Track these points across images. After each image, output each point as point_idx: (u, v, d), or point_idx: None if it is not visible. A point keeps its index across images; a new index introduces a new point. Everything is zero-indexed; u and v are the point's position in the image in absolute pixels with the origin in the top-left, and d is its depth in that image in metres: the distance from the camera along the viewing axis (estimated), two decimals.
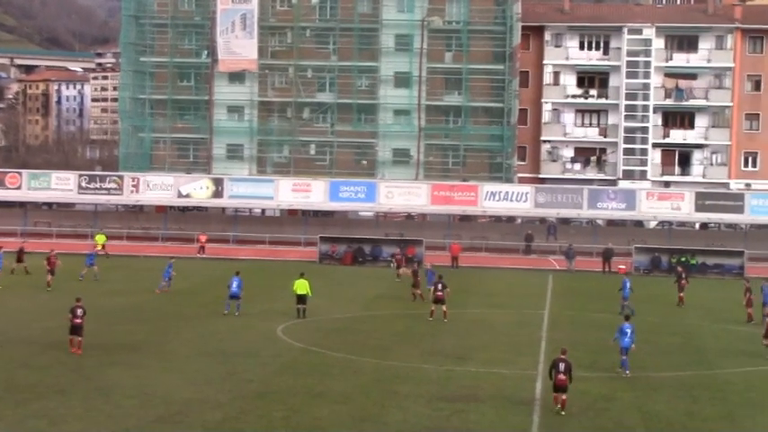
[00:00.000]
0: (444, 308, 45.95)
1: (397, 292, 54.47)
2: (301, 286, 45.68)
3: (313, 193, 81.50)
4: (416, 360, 36.68)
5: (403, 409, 29.52)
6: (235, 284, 46.04)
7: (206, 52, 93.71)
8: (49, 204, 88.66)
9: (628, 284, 50.43)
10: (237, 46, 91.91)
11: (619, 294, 50.25)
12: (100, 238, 71.46)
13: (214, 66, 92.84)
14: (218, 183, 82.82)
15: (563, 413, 29.29)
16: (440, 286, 46.32)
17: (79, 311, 36.53)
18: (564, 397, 29.56)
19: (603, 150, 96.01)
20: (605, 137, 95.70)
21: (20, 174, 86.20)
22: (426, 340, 40.95)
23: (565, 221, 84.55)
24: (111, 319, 43.77)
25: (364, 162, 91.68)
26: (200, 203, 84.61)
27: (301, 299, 45.52)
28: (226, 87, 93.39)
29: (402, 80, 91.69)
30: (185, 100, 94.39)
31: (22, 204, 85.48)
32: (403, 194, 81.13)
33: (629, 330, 35.41)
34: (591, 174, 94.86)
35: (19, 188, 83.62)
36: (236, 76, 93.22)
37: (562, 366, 29.87)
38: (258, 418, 28.06)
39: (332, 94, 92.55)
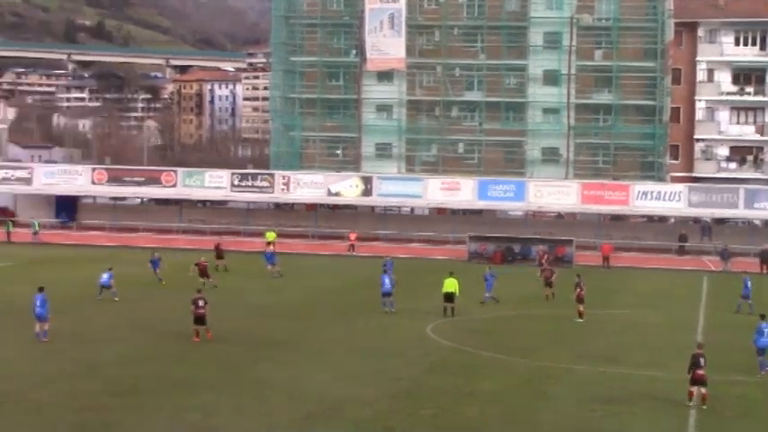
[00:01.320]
0: (582, 307, 45.67)
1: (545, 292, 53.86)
2: (450, 285, 45.66)
3: (462, 192, 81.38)
4: (566, 360, 36.24)
5: (554, 410, 29.18)
6: (387, 281, 46.38)
7: (354, 51, 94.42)
8: (203, 202, 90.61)
9: (749, 283, 49.61)
10: (386, 45, 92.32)
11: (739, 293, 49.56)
12: (270, 235, 72.12)
13: (363, 65, 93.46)
14: (367, 181, 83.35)
15: (704, 407, 29.14)
16: (582, 284, 46.23)
17: (200, 302, 38.23)
18: (704, 391, 29.45)
19: (760, 149, 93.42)
20: (762, 135, 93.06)
21: (175, 172, 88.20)
22: (576, 341, 40.46)
23: (720, 221, 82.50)
24: (264, 316, 44.50)
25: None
26: (349, 202, 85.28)
27: (449, 297, 45.48)
28: (374, 86, 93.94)
29: (551, 78, 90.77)
30: (334, 99, 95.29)
31: (177, 202, 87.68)
32: (552, 193, 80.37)
33: (766, 330, 34.72)
34: (747, 173, 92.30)
35: (174, 186, 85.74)
36: (385, 75, 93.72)
37: (702, 361, 29.73)
38: (408, 417, 28.04)
39: (480, 92, 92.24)
